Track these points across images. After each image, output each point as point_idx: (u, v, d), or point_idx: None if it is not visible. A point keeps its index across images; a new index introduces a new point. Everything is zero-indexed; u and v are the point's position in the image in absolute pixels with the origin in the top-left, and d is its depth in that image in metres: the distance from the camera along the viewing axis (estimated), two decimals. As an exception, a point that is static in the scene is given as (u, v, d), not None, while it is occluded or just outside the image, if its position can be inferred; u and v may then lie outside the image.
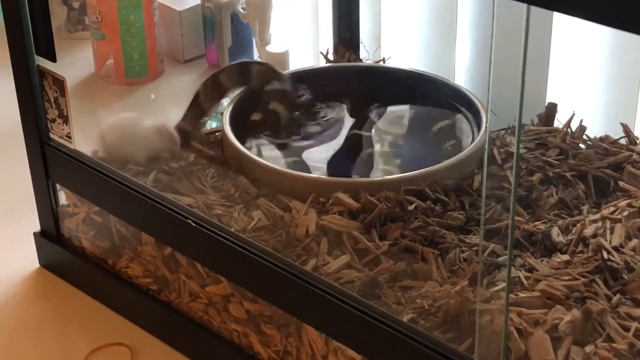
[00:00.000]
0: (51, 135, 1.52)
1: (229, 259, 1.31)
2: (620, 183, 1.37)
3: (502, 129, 1.49)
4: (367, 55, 1.80)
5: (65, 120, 1.48)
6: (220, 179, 1.43)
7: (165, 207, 1.37)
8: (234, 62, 1.64)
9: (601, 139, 1.48)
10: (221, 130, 1.51)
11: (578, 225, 1.28)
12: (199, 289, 1.40)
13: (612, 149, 1.44)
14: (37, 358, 1.46)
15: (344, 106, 1.62)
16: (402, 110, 1.62)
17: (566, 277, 1.18)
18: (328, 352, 1.26)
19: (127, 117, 1.54)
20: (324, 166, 1.50)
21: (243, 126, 1.55)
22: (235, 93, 1.58)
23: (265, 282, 1.29)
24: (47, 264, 1.63)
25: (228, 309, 1.37)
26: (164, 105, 1.86)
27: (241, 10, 1.89)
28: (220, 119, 1.58)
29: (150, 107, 1.87)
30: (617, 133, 1.49)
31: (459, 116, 1.55)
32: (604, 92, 1.60)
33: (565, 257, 1.22)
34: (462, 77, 1.76)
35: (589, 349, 1.09)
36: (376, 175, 1.47)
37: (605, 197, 1.36)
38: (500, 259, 1.17)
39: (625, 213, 1.28)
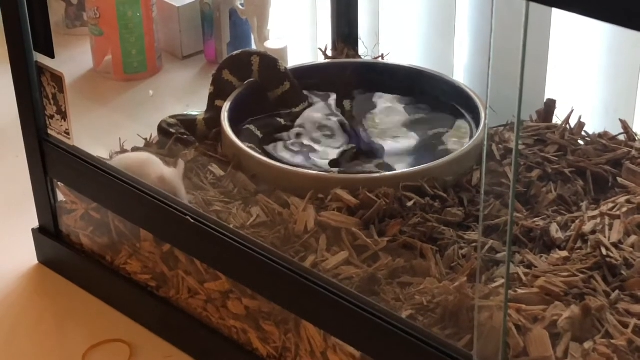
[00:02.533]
0: (49, 132, 1.52)
1: (228, 255, 1.31)
2: (619, 179, 1.37)
3: (501, 125, 1.49)
4: (365, 51, 1.80)
5: (64, 116, 1.48)
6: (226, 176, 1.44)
7: (164, 203, 1.37)
8: (237, 52, 1.65)
9: (600, 135, 1.48)
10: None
11: (577, 221, 1.28)
12: (197, 286, 1.40)
13: (611, 145, 1.44)
14: (36, 354, 1.46)
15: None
16: (400, 105, 1.62)
17: (565, 274, 1.18)
18: (327, 349, 1.26)
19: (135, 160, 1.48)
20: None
21: (242, 122, 1.55)
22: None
23: (264, 279, 1.28)
24: (46, 260, 1.63)
25: (227, 306, 1.37)
26: (163, 101, 1.86)
27: (240, 7, 1.89)
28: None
29: (148, 103, 1.87)
30: (615, 129, 1.49)
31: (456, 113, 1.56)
32: (602, 88, 1.60)
33: (564, 253, 1.22)
34: (460, 73, 1.76)
35: (587, 345, 1.09)
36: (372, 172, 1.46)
37: (604, 193, 1.36)
38: (499, 255, 1.17)
39: (624, 209, 1.28)
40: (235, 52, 1.64)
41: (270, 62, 1.60)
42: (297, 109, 1.60)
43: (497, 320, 1.07)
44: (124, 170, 1.43)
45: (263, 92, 1.61)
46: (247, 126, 1.55)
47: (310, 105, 1.62)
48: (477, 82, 1.69)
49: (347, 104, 1.63)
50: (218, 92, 1.59)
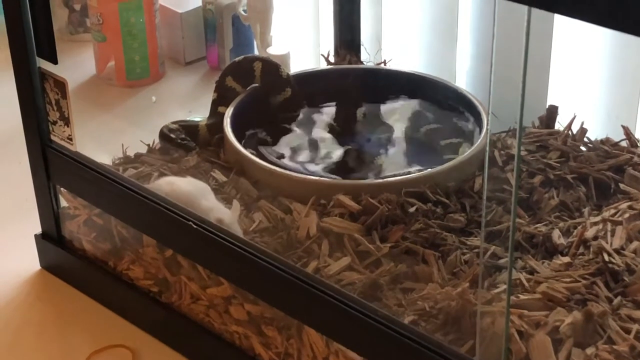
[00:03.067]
0: (52, 138, 1.52)
1: (230, 261, 1.31)
2: (621, 185, 1.37)
3: (503, 131, 1.49)
4: (368, 57, 1.80)
5: (67, 122, 1.48)
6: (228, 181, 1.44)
7: (167, 209, 1.37)
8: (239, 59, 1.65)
9: (602, 142, 1.48)
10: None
11: (579, 227, 1.28)
12: (200, 291, 1.40)
13: (613, 151, 1.45)
14: (38, 360, 1.46)
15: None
16: (401, 111, 1.63)
17: (567, 279, 1.18)
18: (329, 354, 1.26)
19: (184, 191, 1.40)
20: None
21: (244, 128, 1.56)
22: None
23: (266, 284, 1.29)
24: (48, 266, 1.63)
25: (229, 311, 1.37)
26: (165, 107, 1.87)
27: (242, 13, 1.89)
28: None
29: (151, 109, 1.87)
30: (618, 135, 1.49)
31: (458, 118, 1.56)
32: (604, 94, 1.60)
33: (566, 259, 1.22)
34: (462, 79, 1.76)
35: (590, 351, 1.09)
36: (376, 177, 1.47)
37: (606, 199, 1.37)
38: (501, 261, 1.17)
39: (626, 215, 1.28)
40: (237, 59, 1.64)
41: (272, 68, 1.61)
42: (298, 115, 1.60)
43: (499, 326, 1.07)
44: (170, 196, 1.38)
45: (265, 97, 1.61)
46: (256, 131, 1.55)
47: (311, 111, 1.62)
48: (479, 88, 1.69)
49: (348, 110, 1.63)
50: (221, 99, 1.59)
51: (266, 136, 1.56)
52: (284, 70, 1.62)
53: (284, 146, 1.55)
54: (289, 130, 1.58)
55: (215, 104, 1.60)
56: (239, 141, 1.49)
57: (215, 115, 1.58)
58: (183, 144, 1.52)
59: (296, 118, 1.60)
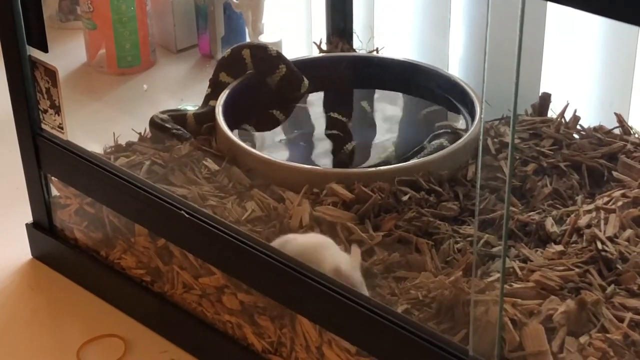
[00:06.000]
0: (43, 126, 1.51)
1: (223, 250, 1.31)
2: (615, 173, 1.37)
3: (496, 119, 1.49)
4: (360, 45, 1.79)
5: (57, 111, 1.47)
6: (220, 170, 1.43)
7: (159, 198, 1.36)
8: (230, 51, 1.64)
9: (595, 129, 1.48)
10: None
11: (572, 215, 1.28)
12: (192, 280, 1.40)
13: (606, 139, 1.44)
14: (30, 350, 1.45)
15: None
16: (394, 100, 1.62)
17: (560, 268, 1.18)
18: (322, 343, 1.26)
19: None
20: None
21: (236, 116, 1.55)
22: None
23: (259, 274, 1.28)
24: (40, 255, 1.62)
25: (222, 300, 1.37)
26: (157, 95, 1.86)
27: (234, 0, 1.88)
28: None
29: (142, 97, 1.87)
30: (611, 123, 1.48)
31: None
32: (598, 82, 1.60)
33: (560, 247, 1.22)
34: (455, 67, 1.76)
35: (583, 339, 1.09)
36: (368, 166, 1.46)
37: (600, 187, 1.36)
38: (494, 249, 1.17)
39: (620, 203, 1.28)
40: (225, 53, 1.64)
41: (260, 51, 1.61)
42: (302, 91, 1.59)
43: (492, 314, 1.07)
44: (293, 253, 1.26)
45: (261, 80, 1.61)
46: (270, 111, 1.55)
47: (312, 86, 1.61)
48: (472, 76, 1.69)
49: (342, 98, 1.63)
50: (214, 93, 1.59)
51: (255, 125, 1.55)
52: (272, 48, 1.61)
53: (274, 135, 1.55)
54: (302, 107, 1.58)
55: (208, 98, 1.59)
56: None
57: (206, 106, 1.58)
58: (178, 133, 1.52)
59: (300, 94, 1.59)
